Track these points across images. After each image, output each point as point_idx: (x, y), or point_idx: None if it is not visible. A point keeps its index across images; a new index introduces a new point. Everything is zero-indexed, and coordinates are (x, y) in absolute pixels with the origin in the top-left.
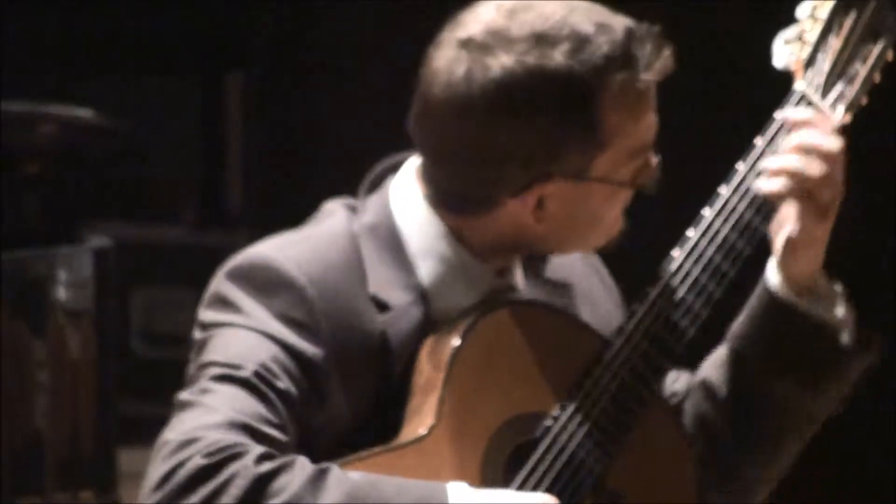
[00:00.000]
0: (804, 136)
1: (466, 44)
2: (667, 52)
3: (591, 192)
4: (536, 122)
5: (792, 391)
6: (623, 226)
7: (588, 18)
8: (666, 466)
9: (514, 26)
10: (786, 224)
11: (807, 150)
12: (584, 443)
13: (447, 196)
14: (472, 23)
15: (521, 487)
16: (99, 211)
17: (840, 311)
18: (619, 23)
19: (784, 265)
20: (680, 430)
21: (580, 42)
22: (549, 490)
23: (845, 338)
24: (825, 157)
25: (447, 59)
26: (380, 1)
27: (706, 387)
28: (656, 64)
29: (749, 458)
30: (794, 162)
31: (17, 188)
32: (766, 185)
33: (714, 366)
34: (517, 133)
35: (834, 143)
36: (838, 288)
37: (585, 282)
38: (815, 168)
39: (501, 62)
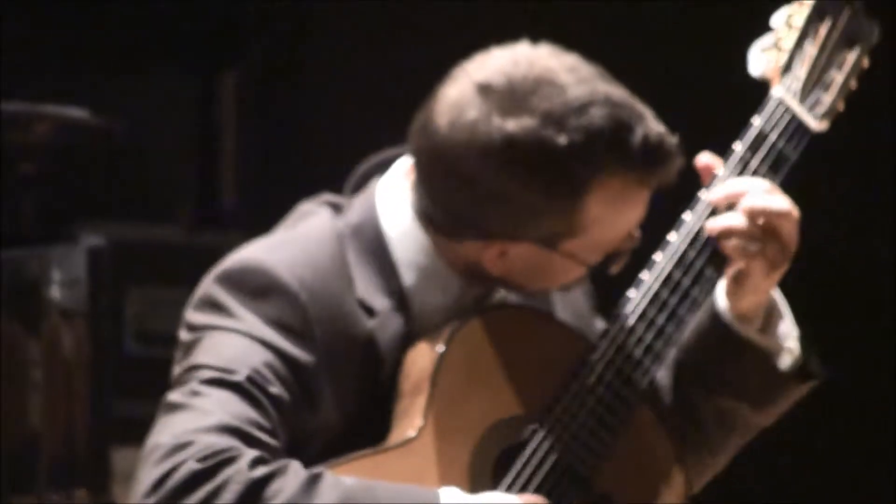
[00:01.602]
0: (751, 201)
1: (484, 91)
2: (675, 164)
3: (555, 259)
4: (522, 191)
5: (730, 404)
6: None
7: (610, 113)
8: (653, 468)
9: (534, 96)
10: (735, 265)
11: (755, 214)
12: (571, 445)
13: (424, 210)
14: (498, 72)
15: (508, 489)
16: (93, 210)
17: (783, 335)
18: (641, 125)
19: (731, 297)
20: (667, 431)
21: (590, 136)
22: (536, 492)
23: (786, 362)
24: (776, 216)
25: (460, 98)
26: (375, 1)
27: (654, 386)
28: (659, 176)
29: (692, 454)
30: (742, 224)
31: (12, 187)
32: (715, 229)
33: (664, 366)
34: (501, 193)
35: (782, 202)
36: (786, 311)
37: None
38: (762, 227)
39: (508, 127)
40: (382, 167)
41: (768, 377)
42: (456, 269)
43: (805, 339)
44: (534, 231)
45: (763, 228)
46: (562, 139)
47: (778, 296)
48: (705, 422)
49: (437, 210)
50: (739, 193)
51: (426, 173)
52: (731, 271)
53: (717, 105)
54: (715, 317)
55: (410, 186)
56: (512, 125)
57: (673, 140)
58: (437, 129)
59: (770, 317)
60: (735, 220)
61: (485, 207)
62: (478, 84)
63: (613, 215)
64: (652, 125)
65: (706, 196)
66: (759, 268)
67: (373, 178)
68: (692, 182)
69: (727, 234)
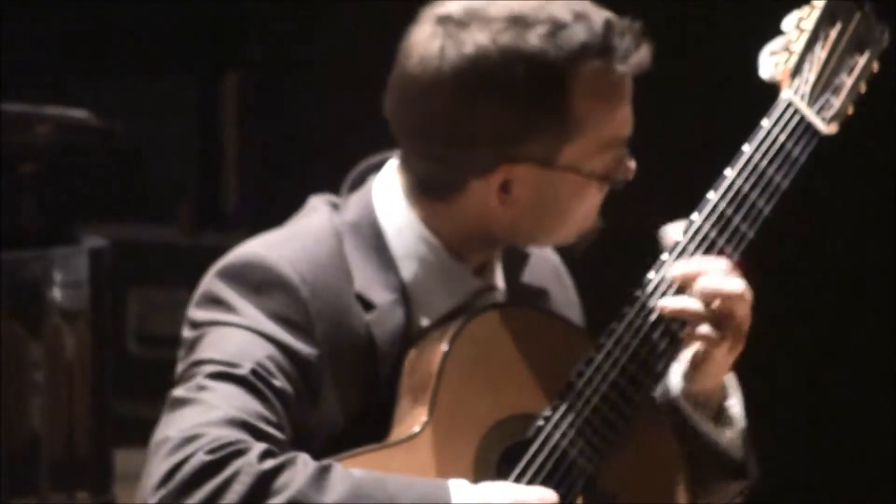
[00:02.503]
0: (706, 283)
1: (444, 20)
2: (645, 48)
3: (559, 180)
4: (506, 103)
5: None
6: (597, 223)
7: (567, 7)
8: (657, 467)
9: (492, 7)
10: (693, 343)
11: (711, 296)
12: (575, 443)
13: (418, 180)
14: (452, 2)
15: None
16: (95, 211)
17: (728, 434)
18: (599, 15)
19: (687, 377)
20: (670, 430)
21: (556, 27)
22: None
23: (728, 459)
24: (730, 298)
25: (423, 35)
26: (375, 2)
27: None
28: (633, 57)
29: None
30: (697, 308)
31: (13, 188)
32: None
33: None
34: (486, 112)
35: (736, 284)
36: (735, 393)
37: (554, 291)
38: (717, 309)
39: (476, 39)
40: (378, 167)
41: (710, 469)
42: (459, 244)
43: (747, 437)
44: (531, 146)
45: (719, 311)
46: (530, 37)
47: (730, 378)
48: None
49: (429, 165)
50: (696, 273)
51: (410, 127)
52: (689, 355)
53: (727, 107)
54: (666, 391)
55: (399, 170)
56: (478, 37)
57: (635, 24)
58: (409, 73)
59: (723, 400)
60: (690, 303)
61: (475, 134)
62: (436, 17)
63: (602, 107)
64: (613, 16)
65: (665, 269)
66: (720, 353)
67: (369, 177)
68: (692, 185)
69: (680, 315)
